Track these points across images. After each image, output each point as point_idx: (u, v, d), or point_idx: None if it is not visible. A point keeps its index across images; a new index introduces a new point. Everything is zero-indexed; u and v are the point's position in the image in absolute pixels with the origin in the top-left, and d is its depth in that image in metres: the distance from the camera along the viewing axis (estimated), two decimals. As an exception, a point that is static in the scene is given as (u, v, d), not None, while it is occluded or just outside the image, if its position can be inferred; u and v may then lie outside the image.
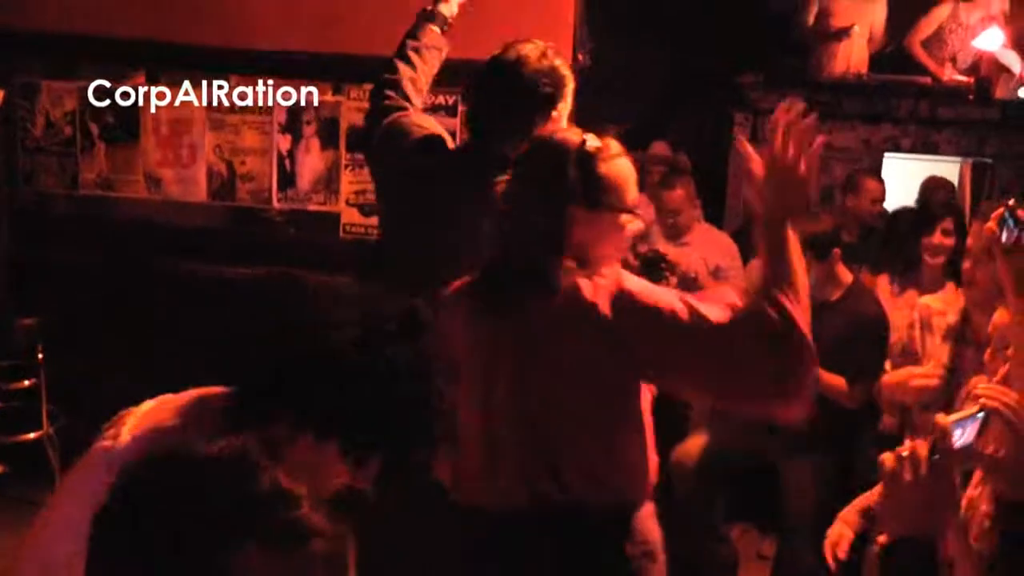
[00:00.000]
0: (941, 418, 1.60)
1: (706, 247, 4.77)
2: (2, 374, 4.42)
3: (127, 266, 4.81)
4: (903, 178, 6.19)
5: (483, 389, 2.17)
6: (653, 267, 4.59)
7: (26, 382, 4.45)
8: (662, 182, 4.86)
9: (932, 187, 5.55)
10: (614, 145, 2.15)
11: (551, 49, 2.65)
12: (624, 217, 2.14)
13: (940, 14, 6.31)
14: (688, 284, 4.59)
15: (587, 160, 2.09)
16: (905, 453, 1.56)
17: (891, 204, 5.53)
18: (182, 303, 4.71)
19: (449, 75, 4.35)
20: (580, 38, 5.56)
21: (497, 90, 2.62)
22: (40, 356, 4.48)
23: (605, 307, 2.05)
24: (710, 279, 4.68)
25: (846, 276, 3.86)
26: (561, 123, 2.63)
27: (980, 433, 1.68)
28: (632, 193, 2.16)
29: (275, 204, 4.81)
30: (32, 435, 4.48)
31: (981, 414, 1.66)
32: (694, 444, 4.07)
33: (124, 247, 4.84)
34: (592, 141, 2.12)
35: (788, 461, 3.82)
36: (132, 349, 4.68)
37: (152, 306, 4.73)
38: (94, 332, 4.70)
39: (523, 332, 2.14)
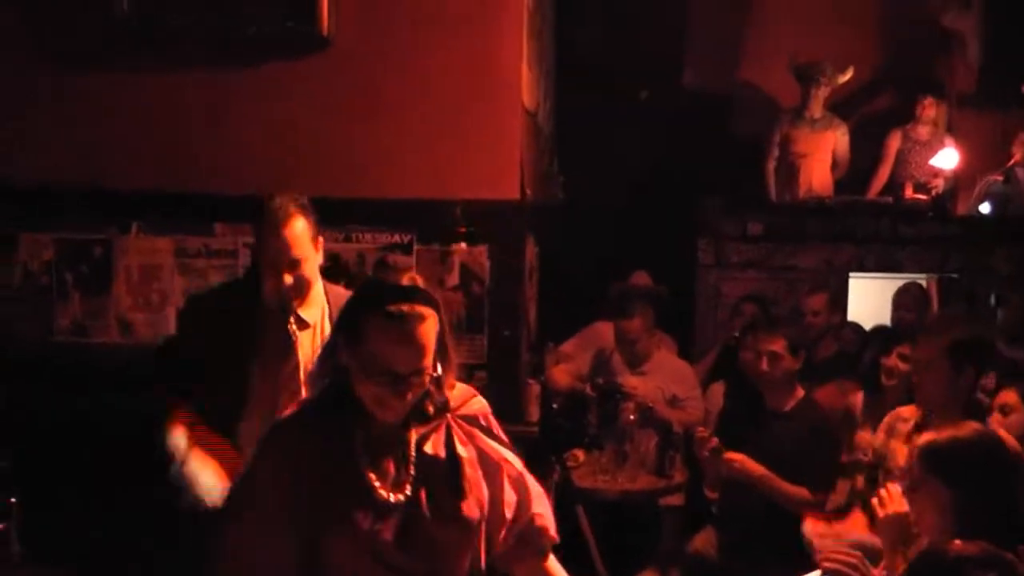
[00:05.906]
0: None
1: (664, 376, 4.80)
2: (-28, 519, 4.44)
3: (99, 409, 4.88)
4: (870, 297, 6.27)
5: None
6: (608, 397, 4.67)
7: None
8: (619, 311, 4.90)
9: (896, 304, 5.59)
10: None
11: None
12: None
13: (892, 145, 6.53)
14: (645, 413, 4.64)
15: None
16: None
17: (863, 323, 5.60)
18: (155, 446, 4.74)
19: (403, 214, 4.50)
20: (550, 172, 5.72)
21: None
22: (12, 500, 4.50)
23: None
24: (667, 408, 4.71)
25: (799, 390, 4.04)
26: None
27: None
28: None
29: (240, 344, 4.89)
30: (1, 579, 4.49)
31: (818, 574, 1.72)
32: None
33: (97, 390, 4.92)
34: None
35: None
36: (104, 494, 4.70)
37: (125, 448, 4.77)
38: (68, 477, 4.74)
39: None
